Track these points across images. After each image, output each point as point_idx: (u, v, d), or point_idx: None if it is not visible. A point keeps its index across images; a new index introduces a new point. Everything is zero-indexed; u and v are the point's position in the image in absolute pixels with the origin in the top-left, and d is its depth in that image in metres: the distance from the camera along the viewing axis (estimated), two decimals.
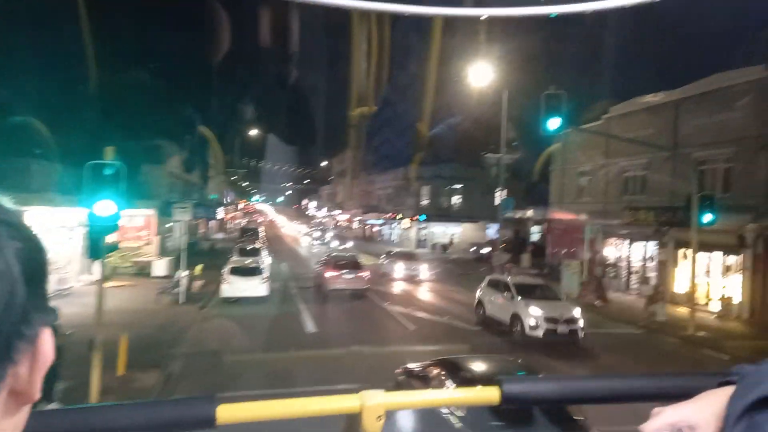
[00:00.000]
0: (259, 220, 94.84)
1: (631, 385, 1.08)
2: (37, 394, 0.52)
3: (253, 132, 77.57)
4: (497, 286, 15.85)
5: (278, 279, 24.14)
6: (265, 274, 19.38)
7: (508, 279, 15.90)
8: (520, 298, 14.46)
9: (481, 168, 50.14)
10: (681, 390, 0.80)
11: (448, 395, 1.10)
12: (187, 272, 19.71)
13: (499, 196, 51.83)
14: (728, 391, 0.71)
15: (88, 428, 0.89)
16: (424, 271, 27.29)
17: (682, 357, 14.08)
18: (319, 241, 49.40)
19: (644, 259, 23.56)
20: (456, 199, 50.51)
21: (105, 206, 8.01)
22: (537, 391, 1.07)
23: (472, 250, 43.11)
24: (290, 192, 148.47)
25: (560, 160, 30.12)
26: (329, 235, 52.24)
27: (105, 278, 9.67)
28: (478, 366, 8.21)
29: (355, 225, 72.04)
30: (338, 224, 78.35)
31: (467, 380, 7.11)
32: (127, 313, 14.97)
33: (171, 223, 32.38)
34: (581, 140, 28.42)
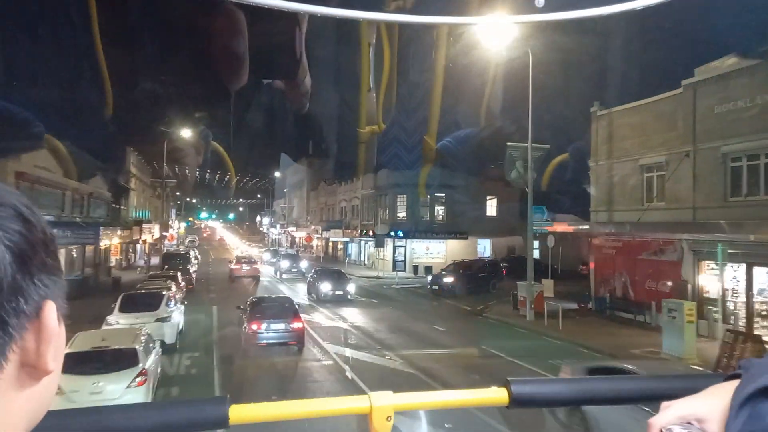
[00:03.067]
0: (198, 240, 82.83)
1: (641, 386, 1.05)
2: (49, 367, 0.53)
3: (190, 135, 65.25)
4: None
5: (196, 350, 14.13)
6: (150, 361, 9.53)
7: None
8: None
9: (469, 174, 41.72)
10: (690, 389, 0.78)
11: (456, 396, 1.11)
12: None
13: (493, 202, 43.61)
14: (735, 384, 0.72)
15: (102, 428, 0.89)
16: None
17: None
18: (287, 274, 34.21)
19: None
20: (440, 211, 41.65)
21: None
22: (545, 393, 1.04)
23: (429, 278, 29.30)
24: (242, 208, 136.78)
25: (605, 152, 21.62)
26: (304, 265, 35.88)
27: None
28: (272, 302, 15.67)
29: (316, 243, 62.18)
30: (295, 242, 68.25)
31: (264, 311, 14.23)
32: None
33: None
34: (643, 119, 20.04)
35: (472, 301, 25.66)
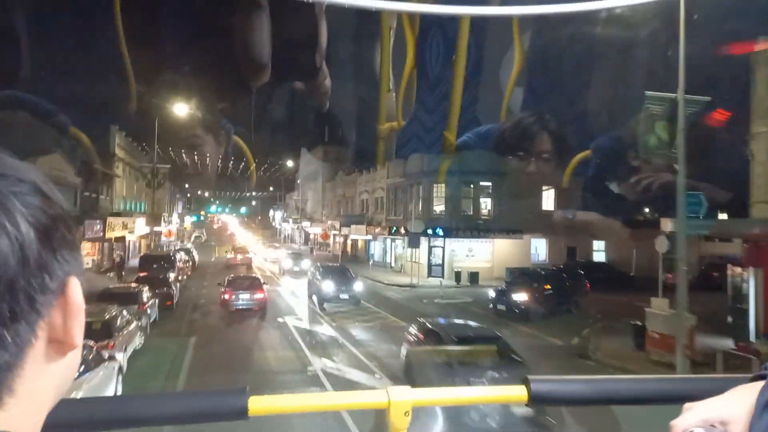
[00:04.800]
0: (205, 236, 75.43)
1: (663, 387, 1.02)
2: (76, 342, 0.54)
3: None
4: None
5: None
6: None
7: None
8: None
9: (521, 159, 34.31)
10: (714, 391, 0.76)
11: (476, 393, 1.10)
12: None
13: (550, 193, 36.09)
14: (760, 385, 0.71)
15: (126, 415, 0.89)
16: None
17: None
18: (333, 302, 21.31)
19: None
20: (487, 204, 34.18)
21: None
22: (565, 391, 1.03)
23: (492, 294, 20.85)
24: (255, 202, 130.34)
25: None
26: (359, 288, 22.52)
27: None
28: (243, 279, 20.77)
29: (332, 240, 55.14)
30: (309, 239, 61.36)
31: (235, 285, 19.26)
32: None
33: None
34: None
35: (555, 327, 18.36)
